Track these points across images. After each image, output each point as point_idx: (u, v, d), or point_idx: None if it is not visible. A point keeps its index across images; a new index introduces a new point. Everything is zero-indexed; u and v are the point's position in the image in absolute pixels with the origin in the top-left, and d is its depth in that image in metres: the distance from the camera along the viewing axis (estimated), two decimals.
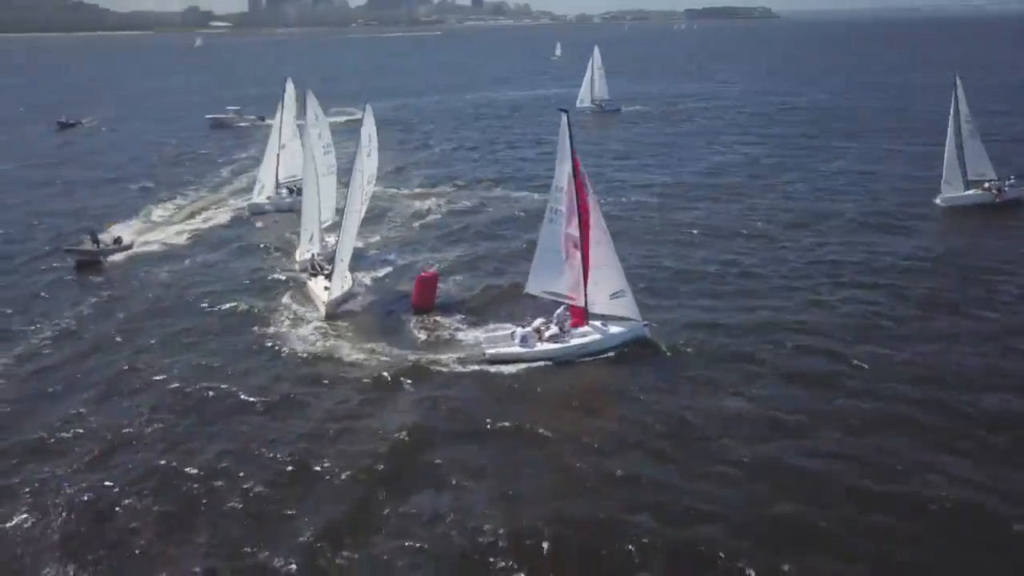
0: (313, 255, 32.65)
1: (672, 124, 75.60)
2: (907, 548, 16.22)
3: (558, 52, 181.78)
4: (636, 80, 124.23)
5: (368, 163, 30.92)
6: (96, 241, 37.27)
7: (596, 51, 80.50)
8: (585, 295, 25.38)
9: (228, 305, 30.66)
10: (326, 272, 30.73)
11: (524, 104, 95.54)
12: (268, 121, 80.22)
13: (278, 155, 45.64)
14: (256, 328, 28.18)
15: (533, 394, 22.98)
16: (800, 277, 32.02)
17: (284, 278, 33.49)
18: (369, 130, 30.87)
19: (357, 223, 30.34)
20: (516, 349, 24.45)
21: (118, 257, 37.30)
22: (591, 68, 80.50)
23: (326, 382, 23.98)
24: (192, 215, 45.38)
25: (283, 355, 25.93)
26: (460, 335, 26.66)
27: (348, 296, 29.71)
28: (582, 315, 25.63)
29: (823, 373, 23.59)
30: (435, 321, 28.05)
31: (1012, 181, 42.00)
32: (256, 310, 29.94)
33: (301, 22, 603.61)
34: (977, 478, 18.22)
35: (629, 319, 25.33)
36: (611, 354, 24.73)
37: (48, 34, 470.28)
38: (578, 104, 77.87)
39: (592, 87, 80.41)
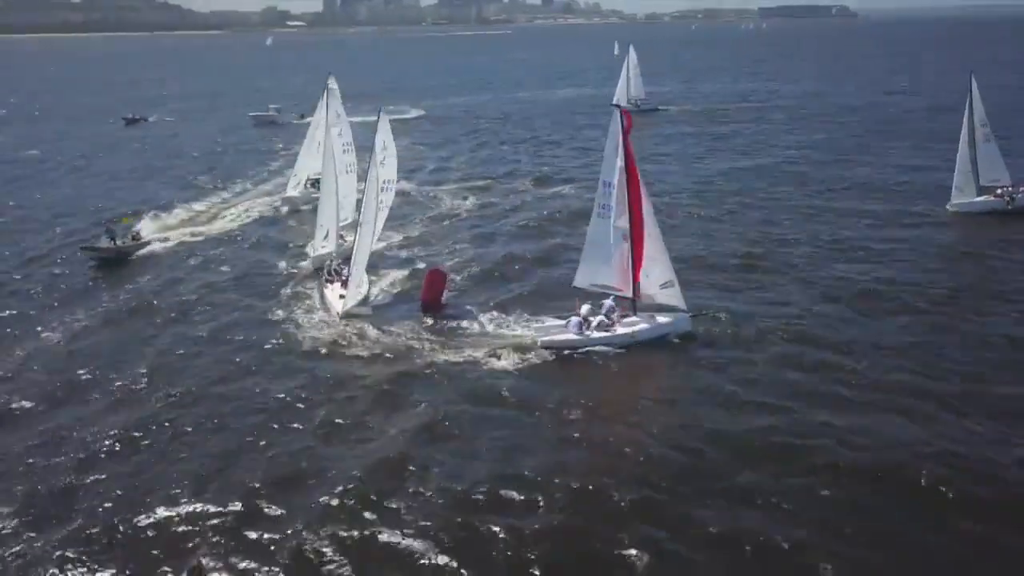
0: (330, 261, 32.29)
1: (708, 125, 74.88)
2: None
3: (616, 51, 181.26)
4: (684, 80, 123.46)
5: (383, 171, 30.68)
6: (113, 238, 37.15)
7: (632, 51, 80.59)
8: (634, 286, 26.44)
9: (244, 303, 30.77)
10: (343, 278, 30.56)
11: (578, 102, 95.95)
12: (308, 119, 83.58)
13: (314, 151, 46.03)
14: (272, 328, 28.15)
15: (586, 380, 24.04)
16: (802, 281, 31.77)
17: (301, 278, 33.51)
18: (383, 137, 30.46)
19: (373, 232, 30.16)
20: (569, 337, 25.45)
21: (137, 254, 37.44)
22: (627, 67, 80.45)
23: (350, 379, 24.11)
24: (220, 212, 46.03)
25: (303, 353, 26.09)
26: (489, 328, 27.38)
27: (365, 301, 29.62)
28: (630, 305, 26.81)
29: (820, 363, 24.15)
30: (459, 317, 28.49)
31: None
32: (273, 310, 29.84)
33: (373, 21, 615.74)
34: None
35: (675, 310, 26.45)
36: (658, 342, 25.81)
37: (138, 33, 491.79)
38: (613, 103, 77.97)
39: (628, 86, 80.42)
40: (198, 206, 46.75)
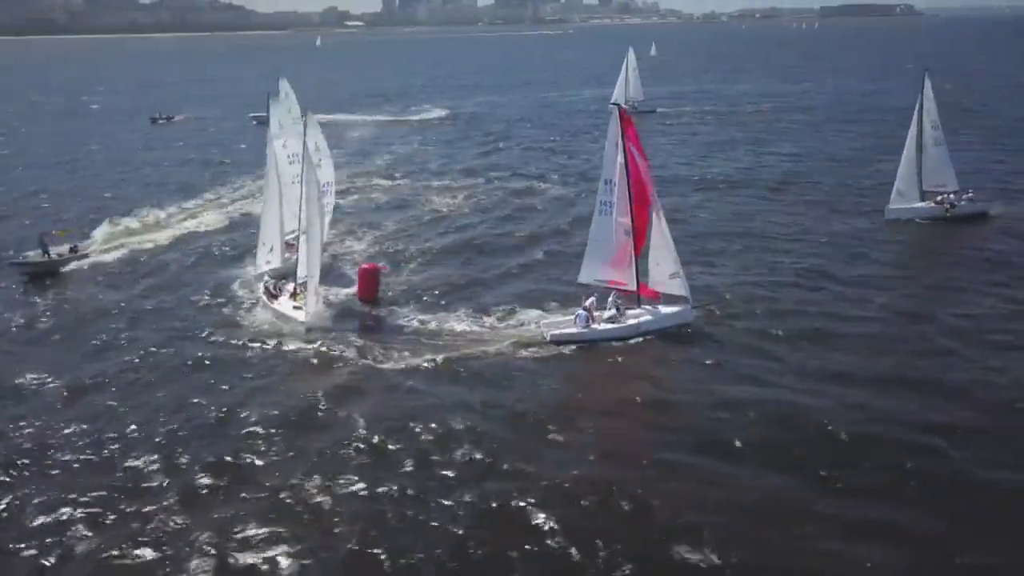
0: (265, 280, 31.28)
1: (700, 128, 74.35)
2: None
3: (653, 51, 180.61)
4: (697, 81, 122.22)
5: (321, 173, 30.76)
6: (47, 251, 35.23)
7: (631, 52, 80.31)
8: (637, 279, 27.37)
9: (175, 323, 29.55)
10: (292, 291, 30.01)
11: (603, 102, 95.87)
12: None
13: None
14: (225, 345, 27.21)
15: (592, 373, 24.91)
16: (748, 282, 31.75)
17: (250, 291, 32.42)
18: (315, 139, 30.67)
19: (320, 237, 29.38)
20: (576, 330, 26.27)
21: (74, 267, 35.51)
22: (625, 68, 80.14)
23: (326, 389, 23.70)
24: (185, 218, 44.66)
25: (273, 370, 25.28)
26: (449, 326, 27.70)
27: (325, 306, 29.40)
28: (635, 298, 27.71)
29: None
30: (405, 316, 28.97)
31: (970, 195, 39.27)
32: (222, 325, 28.85)
33: (431, 21, 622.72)
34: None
35: (679, 302, 27.36)
36: (662, 333, 26.79)
37: (202, 33, 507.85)
38: (611, 106, 78.16)
39: (627, 87, 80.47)
40: (162, 212, 45.32)
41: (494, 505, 17.91)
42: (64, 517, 17.77)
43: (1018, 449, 19.47)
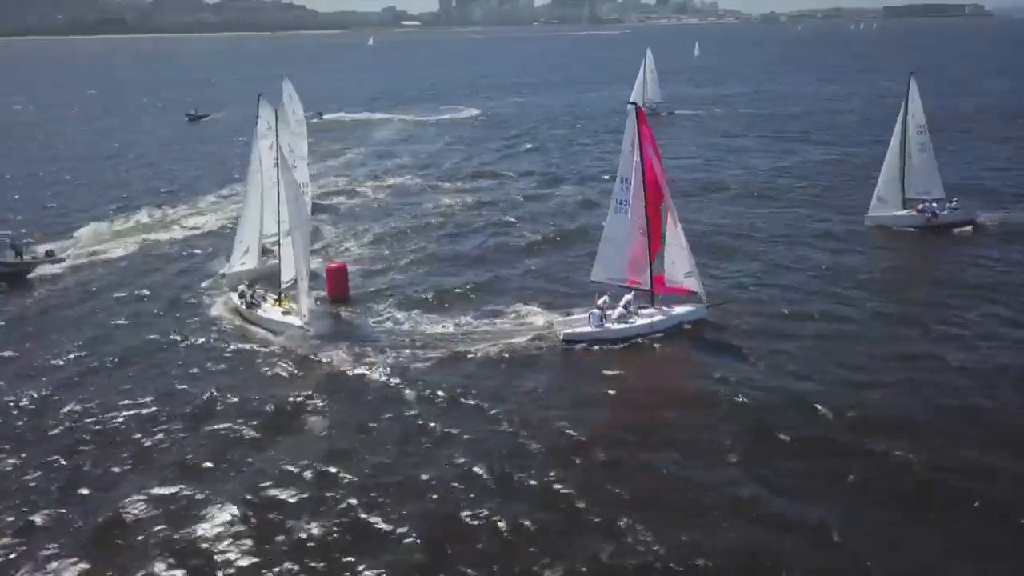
0: (241, 289, 30.02)
1: (719, 129, 73.65)
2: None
3: (696, 52, 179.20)
4: (734, 83, 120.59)
5: (296, 175, 31.13)
6: (20, 253, 34.36)
7: (649, 54, 79.93)
8: (651, 278, 27.45)
9: (155, 328, 28.86)
10: (273, 299, 29.45)
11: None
12: (325, 117, 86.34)
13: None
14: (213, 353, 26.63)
15: (605, 373, 24.50)
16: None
17: (218, 299, 31.51)
18: (288, 141, 31.14)
19: (306, 238, 28.99)
20: (589, 330, 26.28)
21: (45, 271, 34.49)
22: (643, 70, 79.85)
23: (332, 394, 23.51)
24: (181, 219, 44.05)
25: (269, 378, 24.74)
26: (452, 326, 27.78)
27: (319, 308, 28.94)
28: (648, 297, 27.82)
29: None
30: (375, 315, 29.13)
31: (953, 204, 37.91)
32: (177, 333, 28.19)
33: (487, 20, 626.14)
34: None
35: (693, 301, 27.53)
36: (674, 331, 26.91)
37: (262, 33, 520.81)
38: (628, 106, 78.20)
39: (645, 89, 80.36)
40: (159, 212, 45.28)
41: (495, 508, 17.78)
42: (26, 529, 17.43)
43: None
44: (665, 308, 27.42)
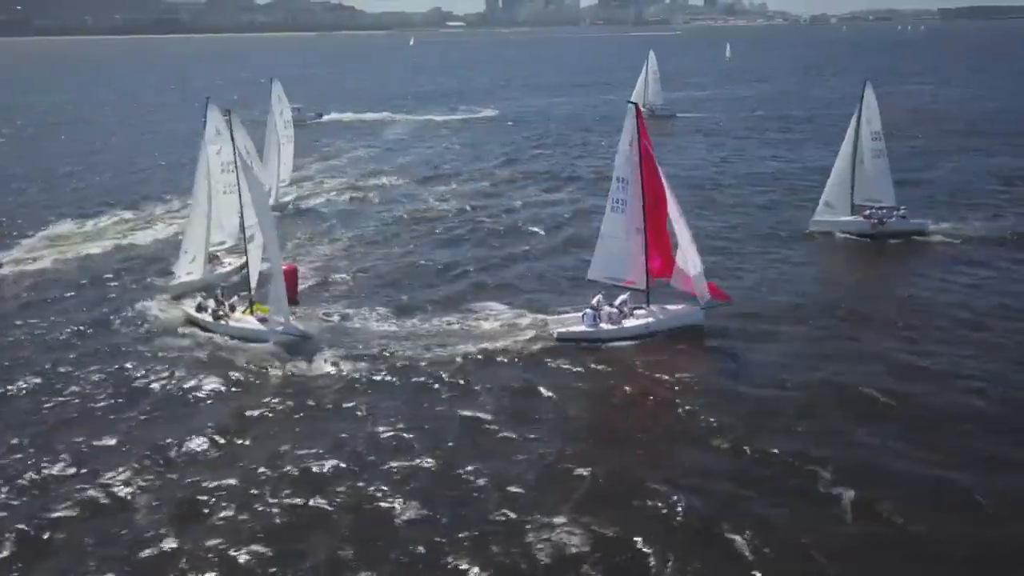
0: (200, 301, 28.78)
1: (717, 132, 73.21)
2: None
3: (728, 54, 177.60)
4: (752, 85, 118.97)
5: (270, 177, 32.50)
6: None
7: (651, 55, 79.55)
8: (647, 278, 27.06)
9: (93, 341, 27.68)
10: (242, 309, 28.37)
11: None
12: (325, 118, 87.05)
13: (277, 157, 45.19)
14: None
15: (598, 373, 24.50)
16: None
17: (163, 308, 30.13)
18: (243, 143, 30.34)
19: (275, 241, 27.83)
20: (582, 329, 26.08)
21: None
22: (645, 72, 79.49)
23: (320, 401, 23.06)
24: (149, 223, 43.13)
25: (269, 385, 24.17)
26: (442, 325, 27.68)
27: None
28: (644, 298, 27.49)
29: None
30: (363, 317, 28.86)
31: (902, 212, 37.01)
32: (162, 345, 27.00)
33: (533, 21, 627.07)
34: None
35: (688, 302, 27.15)
36: (669, 332, 26.73)
37: (312, 33, 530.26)
38: (628, 102, 78.09)
39: (646, 91, 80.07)
40: (127, 214, 44.82)
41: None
42: None
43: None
44: (660, 309, 27.13)
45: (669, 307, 27.27)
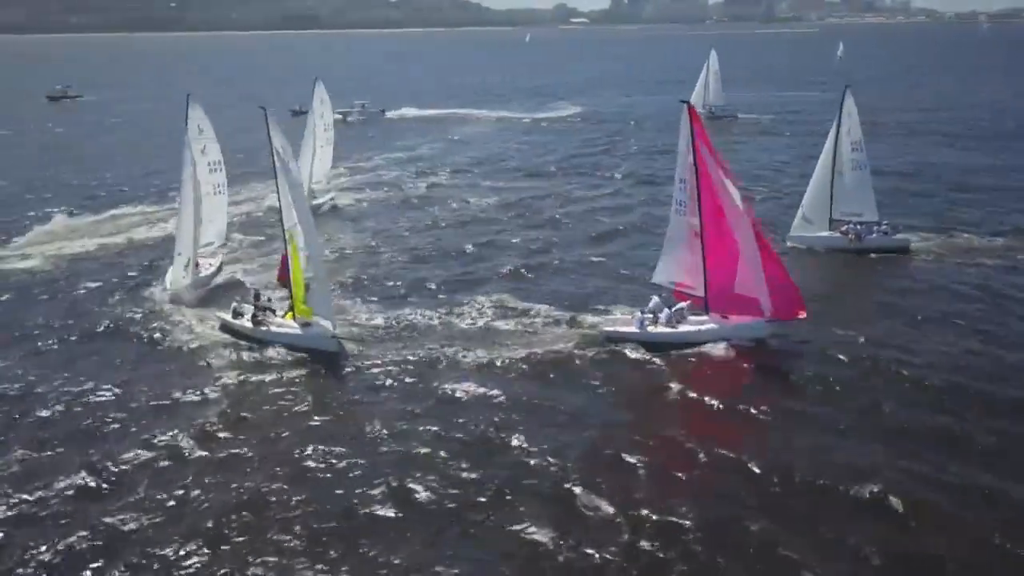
0: (235, 306, 27.49)
1: (774, 136, 71.24)
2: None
3: (840, 52, 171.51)
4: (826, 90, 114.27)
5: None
6: None
7: (713, 55, 78.45)
8: (706, 285, 26.14)
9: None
10: (281, 313, 27.11)
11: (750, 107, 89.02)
12: (388, 115, 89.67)
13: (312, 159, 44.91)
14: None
15: (639, 378, 24.01)
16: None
17: (155, 313, 29.10)
18: (280, 142, 27.59)
19: (310, 242, 26.32)
20: (631, 330, 25.72)
21: None
22: (706, 72, 78.81)
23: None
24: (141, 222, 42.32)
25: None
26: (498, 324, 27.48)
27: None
28: (702, 304, 26.41)
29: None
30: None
31: (883, 227, 35.38)
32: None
33: (657, 18, 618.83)
34: None
35: (751, 314, 25.63)
36: (726, 344, 25.21)
37: (438, 29, 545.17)
38: (681, 101, 78.03)
39: (706, 92, 79.98)
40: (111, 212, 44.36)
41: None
42: None
43: None
44: (719, 318, 25.94)
45: (730, 317, 25.90)
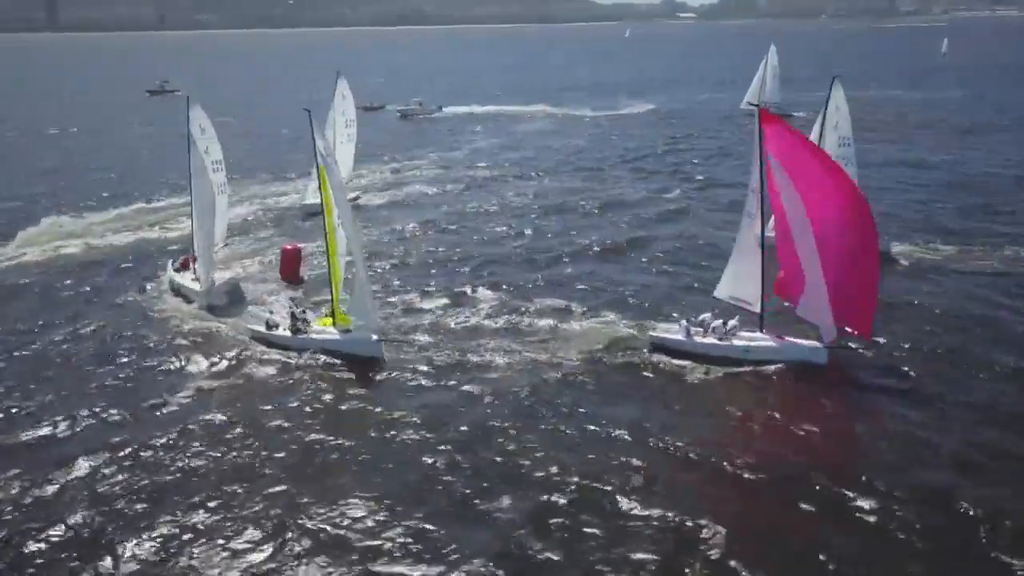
0: (268, 318, 26.85)
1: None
2: None
3: (944, 50, 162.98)
4: (929, 88, 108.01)
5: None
6: None
7: (772, 50, 76.04)
8: (763, 301, 24.90)
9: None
10: (318, 318, 26.96)
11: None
12: (445, 111, 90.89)
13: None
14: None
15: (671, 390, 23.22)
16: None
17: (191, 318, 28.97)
18: (321, 144, 26.34)
19: (353, 245, 25.60)
20: (676, 338, 24.91)
21: None
22: (764, 68, 76.49)
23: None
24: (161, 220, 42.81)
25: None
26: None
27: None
28: (758, 320, 25.19)
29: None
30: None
31: None
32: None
33: (770, 12, 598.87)
34: None
35: (811, 337, 24.21)
36: (780, 366, 23.69)
37: (545, 25, 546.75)
38: (742, 105, 76.71)
39: (763, 89, 77.68)
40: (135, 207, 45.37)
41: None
42: None
43: None
44: (774, 337, 24.49)
45: (786, 337, 24.39)
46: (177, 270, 32.38)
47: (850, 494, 17.92)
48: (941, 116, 79.29)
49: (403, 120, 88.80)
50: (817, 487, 18.24)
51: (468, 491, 18.42)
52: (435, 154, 64.32)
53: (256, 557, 16.35)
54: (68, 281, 33.74)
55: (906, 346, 25.41)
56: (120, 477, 19.18)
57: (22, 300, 31.75)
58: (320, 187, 26.08)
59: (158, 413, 22.34)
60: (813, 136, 34.96)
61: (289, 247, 33.67)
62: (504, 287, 31.62)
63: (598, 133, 75.24)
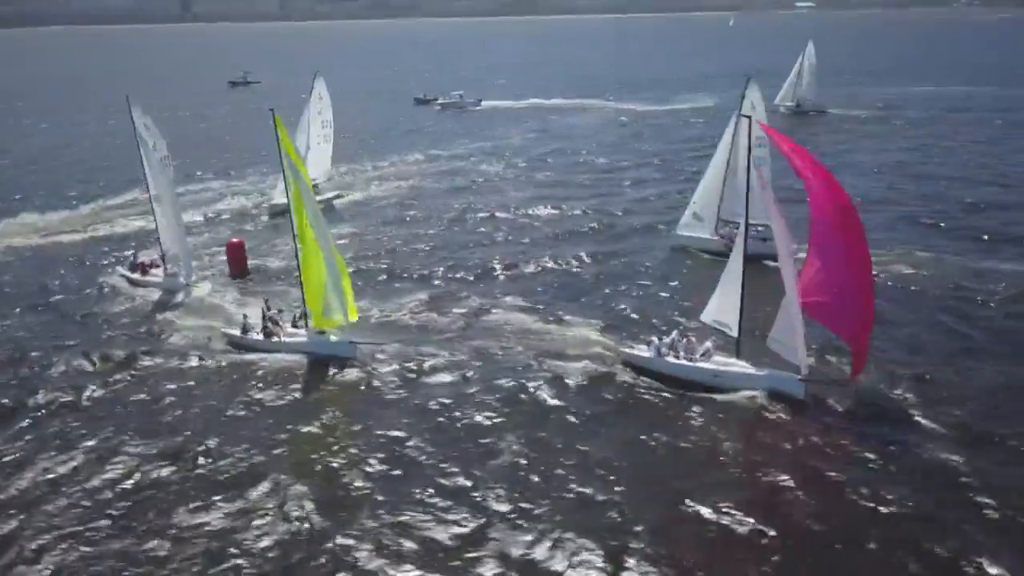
0: (245, 321, 27.24)
1: (868, 134, 66.31)
2: None
3: None
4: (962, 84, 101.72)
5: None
6: None
7: (810, 46, 73.67)
8: (740, 326, 24.10)
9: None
10: (290, 323, 26.95)
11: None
12: (483, 104, 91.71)
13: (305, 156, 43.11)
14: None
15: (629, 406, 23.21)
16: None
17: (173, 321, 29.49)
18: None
19: (323, 246, 25.46)
20: (645, 356, 24.64)
21: None
22: (800, 63, 74.45)
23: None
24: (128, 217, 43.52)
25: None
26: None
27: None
28: (735, 346, 24.45)
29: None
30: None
31: (760, 232, 31.87)
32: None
33: (894, 3, 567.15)
34: None
35: (787, 367, 23.01)
36: (753, 393, 22.92)
37: (641, 15, 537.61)
38: (774, 103, 74.99)
39: (799, 85, 75.65)
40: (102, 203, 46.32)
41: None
42: None
43: None
44: (747, 365, 23.57)
45: (762, 366, 23.36)
46: (134, 270, 32.58)
47: (816, 528, 17.87)
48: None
49: (441, 112, 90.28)
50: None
51: (443, 478, 19.44)
52: (463, 147, 64.63)
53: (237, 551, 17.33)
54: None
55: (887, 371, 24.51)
56: (81, 477, 20.21)
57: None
58: (287, 190, 25.99)
59: (140, 417, 23.01)
60: (725, 135, 34.57)
61: (234, 241, 33.56)
62: (487, 291, 31.46)
63: (637, 127, 73.79)
